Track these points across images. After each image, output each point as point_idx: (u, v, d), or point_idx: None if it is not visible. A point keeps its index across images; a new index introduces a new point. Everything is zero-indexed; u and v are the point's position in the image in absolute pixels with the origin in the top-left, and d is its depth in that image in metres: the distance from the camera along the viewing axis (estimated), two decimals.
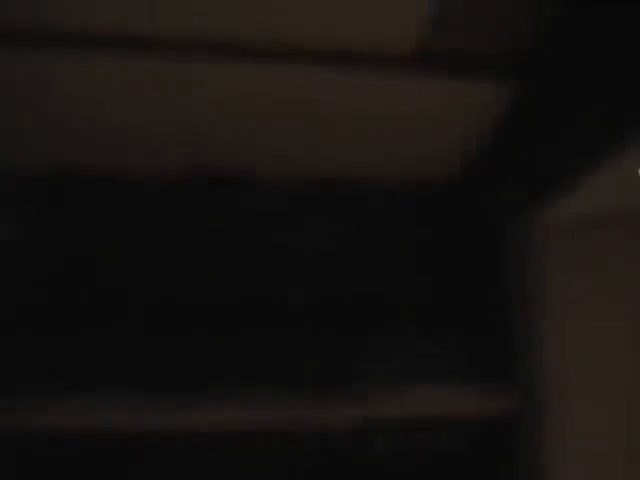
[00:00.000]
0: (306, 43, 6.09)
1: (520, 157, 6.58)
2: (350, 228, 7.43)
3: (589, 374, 6.33)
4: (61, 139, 6.47)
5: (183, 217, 7.00)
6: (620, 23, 5.14)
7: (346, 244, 7.37)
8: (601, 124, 5.32)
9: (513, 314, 6.85)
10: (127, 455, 5.38)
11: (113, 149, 6.70)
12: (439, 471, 5.85)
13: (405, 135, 6.87)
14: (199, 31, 5.98)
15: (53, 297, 6.06)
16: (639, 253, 6.38)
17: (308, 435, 5.64)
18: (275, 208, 7.22)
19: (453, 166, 7.34)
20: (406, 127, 6.79)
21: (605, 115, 5.30)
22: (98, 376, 5.88)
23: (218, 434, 5.52)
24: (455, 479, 5.71)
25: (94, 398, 5.55)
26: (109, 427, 5.12)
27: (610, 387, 6.23)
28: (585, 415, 6.30)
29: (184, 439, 5.42)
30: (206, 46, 6.06)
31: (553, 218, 6.40)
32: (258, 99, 6.48)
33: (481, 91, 6.56)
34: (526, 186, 6.50)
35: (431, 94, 6.52)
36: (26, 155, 6.40)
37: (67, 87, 5.96)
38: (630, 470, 5.86)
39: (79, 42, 5.54)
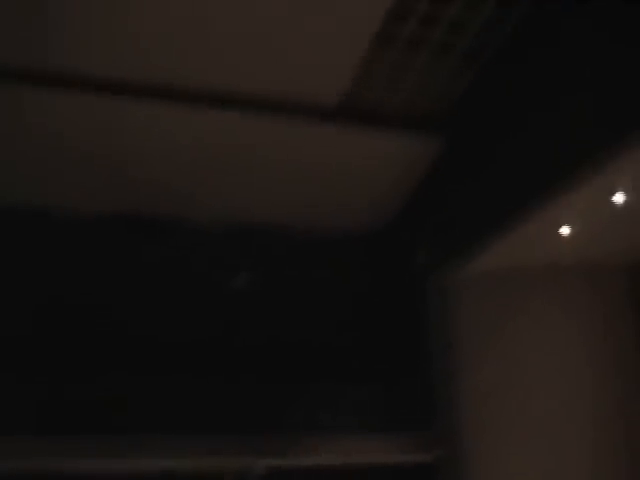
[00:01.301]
0: (235, 91, 6.07)
1: (440, 211, 6.67)
2: (273, 274, 7.38)
3: (507, 421, 6.37)
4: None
5: (108, 255, 6.85)
6: (531, 86, 5.33)
7: (268, 289, 7.30)
8: (516, 185, 5.45)
9: (433, 364, 6.86)
10: None
11: (46, 186, 6.55)
12: None
13: (331, 185, 6.89)
14: (133, 74, 5.91)
15: None
16: (551, 304, 6.56)
17: None
18: (204, 251, 7.16)
19: (377, 217, 7.38)
20: (332, 177, 6.82)
21: (519, 177, 5.44)
22: (19, 421, 5.65)
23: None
24: None
25: (16, 442, 5.32)
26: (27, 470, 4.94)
27: (529, 432, 6.24)
28: (503, 461, 6.28)
29: None
30: (143, 90, 5.99)
31: (472, 270, 6.51)
32: (190, 144, 6.42)
33: (405, 145, 6.62)
34: (446, 240, 6.59)
35: (356, 146, 6.56)
36: None
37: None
38: None
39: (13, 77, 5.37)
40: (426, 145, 6.59)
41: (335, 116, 6.34)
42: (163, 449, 5.78)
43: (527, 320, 6.66)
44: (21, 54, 5.48)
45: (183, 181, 6.84)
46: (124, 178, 6.67)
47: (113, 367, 6.40)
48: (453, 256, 6.60)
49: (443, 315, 6.94)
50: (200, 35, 5.65)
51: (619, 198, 5.45)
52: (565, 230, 5.92)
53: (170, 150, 6.55)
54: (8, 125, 5.99)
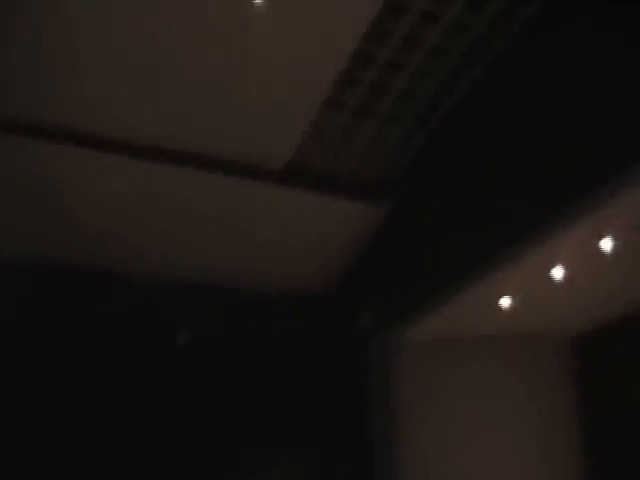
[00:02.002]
0: (186, 148, 6.10)
1: (384, 277, 6.75)
2: (215, 334, 7.34)
3: None
4: None
5: (48, 305, 6.74)
6: (473, 158, 5.48)
7: (209, 349, 7.25)
8: (457, 255, 5.55)
9: (373, 428, 6.85)
10: None
11: None
12: None
13: (277, 247, 6.91)
14: (84, 124, 5.91)
15: None
16: (492, 372, 6.67)
17: None
18: (147, 306, 7.10)
19: (322, 280, 7.42)
20: (278, 240, 6.85)
21: (460, 247, 5.53)
22: None
23: None
24: None
25: None
26: None
27: None
28: None
29: None
30: (93, 141, 5.98)
31: (414, 336, 6.58)
32: (139, 199, 6.41)
33: (351, 211, 6.71)
34: (389, 305, 6.65)
35: (302, 210, 6.61)
36: None
37: None
38: None
39: None
40: (372, 211, 6.64)
41: (282, 179, 6.37)
42: None
43: (468, 387, 6.71)
44: None
45: (130, 235, 6.78)
46: (71, 228, 6.59)
47: (45, 417, 6.31)
48: (395, 322, 6.62)
49: (384, 380, 6.92)
50: (152, 91, 5.67)
51: (558, 271, 5.54)
52: (505, 300, 5.99)
53: (119, 203, 6.51)
54: None
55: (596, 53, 4.58)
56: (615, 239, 5.17)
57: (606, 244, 5.21)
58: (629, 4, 4.26)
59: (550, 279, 5.55)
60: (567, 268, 5.51)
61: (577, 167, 4.64)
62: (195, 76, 5.56)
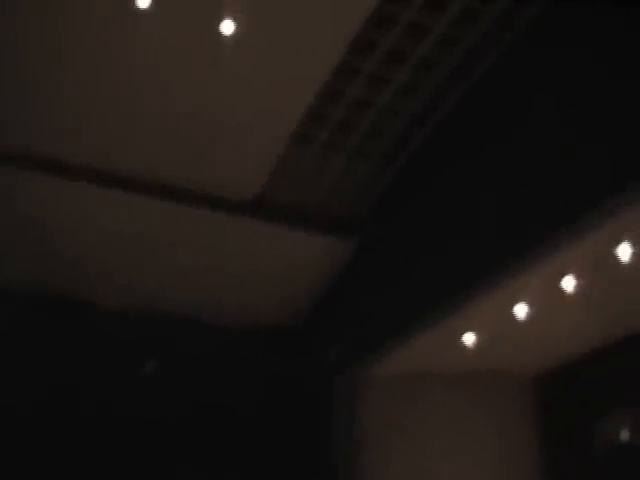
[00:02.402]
0: (154, 178, 6.11)
1: (351, 312, 6.77)
2: (180, 365, 7.29)
3: None
4: None
5: (12, 330, 6.67)
6: (440, 197, 5.54)
7: (173, 380, 7.19)
8: (423, 291, 5.59)
9: (338, 463, 6.82)
10: None
11: None
12: None
13: (245, 279, 6.89)
14: (55, 152, 5.90)
15: None
16: (457, 408, 6.69)
17: None
18: (112, 337, 7.05)
19: (291, 312, 7.42)
20: (246, 271, 6.84)
21: (425, 283, 5.57)
22: None
23: None
24: None
25: None
26: None
27: None
28: None
29: None
30: (63, 168, 5.97)
31: (380, 371, 6.59)
32: (108, 228, 6.41)
33: (318, 244, 6.73)
34: (356, 340, 6.66)
35: (270, 243, 6.62)
36: None
37: None
38: None
39: None
40: (340, 245, 6.66)
41: (251, 211, 6.38)
42: None
43: (432, 422, 6.72)
44: None
45: (99, 263, 6.74)
46: (40, 255, 6.55)
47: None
48: (361, 356, 6.61)
49: (349, 414, 6.90)
50: (122, 122, 5.68)
51: (521, 310, 5.58)
52: (469, 337, 6.02)
53: (89, 232, 6.48)
54: None
55: (578, 77, 4.67)
56: (577, 278, 5.24)
57: (568, 283, 5.28)
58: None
59: (513, 317, 5.59)
60: (530, 307, 5.56)
61: (540, 208, 4.71)
62: (163, 108, 5.58)
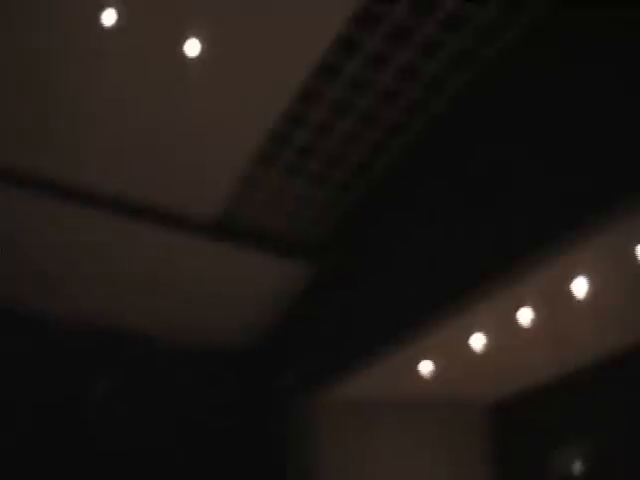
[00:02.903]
0: (113, 195, 6.06)
1: (309, 336, 6.75)
2: (131, 384, 7.19)
3: None
4: None
5: None
6: (399, 223, 5.57)
7: (123, 400, 7.09)
8: (382, 317, 5.59)
9: None
10: None
11: None
12: None
13: (203, 300, 6.84)
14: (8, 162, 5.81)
15: None
16: (414, 435, 6.71)
17: None
18: (63, 350, 6.94)
19: (247, 336, 7.38)
20: (204, 292, 6.79)
21: (384, 309, 5.58)
22: None
23: None
24: None
25: None
26: None
27: None
28: None
29: None
30: (17, 179, 5.88)
31: (336, 397, 6.57)
32: (63, 241, 6.33)
33: (278, 268, 6.70)
34: (313, 364, 6.64)
35: (229, 264, 6.58)
36: None
37: None
38: None
39: None
40: (300, 269, 6.64)
41: (211, 232, 6.33)
42: None
43: (387, 449, 6.69)
44: None
45: (53, 278, 6.64)
46: None
47: None
48: (318, 382, 6.57)
49: (304, 440, 6.84)
50: (85, 136, 5.62)
51: (477, 339, 5.60)
52: (427, 365, 6.01)
53: (44, 245, 6.39)
54: None
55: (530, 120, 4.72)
56: (533, 310, 5.27)
57: (524, 315, 5.31)
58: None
59: (470, 347, 5.60)
60: (487, 336, 5.57)
61: (496, 239, 4.74)
62: (125, 124, 5.53)
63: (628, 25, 3.94)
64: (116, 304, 6.94)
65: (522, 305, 5.23)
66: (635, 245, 4.52)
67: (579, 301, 5.02)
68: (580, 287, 4.93)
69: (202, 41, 4.90)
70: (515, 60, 4.92)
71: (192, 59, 4.99)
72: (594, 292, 4.95)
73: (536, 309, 5.23)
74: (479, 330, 5.52)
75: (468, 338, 5.55)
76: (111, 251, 6.46)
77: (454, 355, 5.82)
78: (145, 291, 6.77)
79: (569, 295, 4.99)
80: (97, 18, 4.69)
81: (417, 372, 5.98)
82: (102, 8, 4.67)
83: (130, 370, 7.17)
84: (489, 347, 5.60)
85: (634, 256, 4.57)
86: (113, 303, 6.93)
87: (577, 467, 6.21)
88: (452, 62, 5.15)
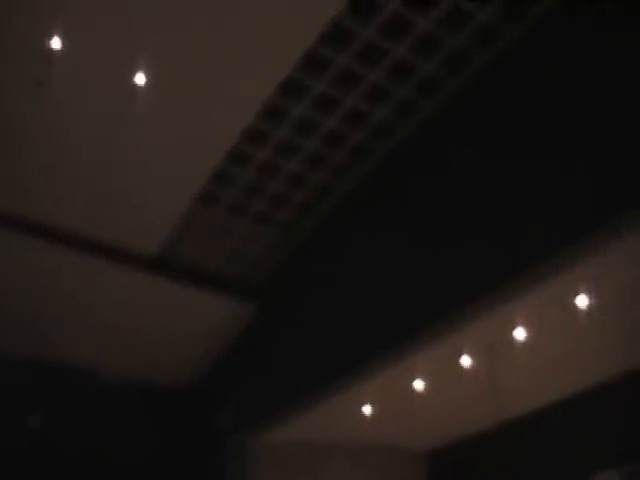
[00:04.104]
0: (53, 226, 5.92)
1: (248, 376, 6.65)
2: (69, 417, 7.01)
3: None
4: None
5: None
6: (338, 268, 5.55)
7: (60, 432, 6.90)
8: (321, 361, 5.55)
9: None
10: None
11: None
12: None
13: (142, 336, 6.70)
14: None
15: None
16: (348, 478, 6.65)
17: None
18: (3, 385, 6.73)
19: (186, 374, 7.25)
20: (144, 329, 6.64)
21: (323, 353, 5.54)
22: None
23: None
24: None
25: None
26: None
27: None
28: None
29: None
30: None
31: (275, 437, 6.49)
32: (4, 270, 6.16)
33: (219, 306, 6.60)
34: (251, 405, 6.55)
35: (170, 301, 6.44)
36: None
37: None
38: None
39: None
40: (240, 308, 6.55)
41: (152, 267, 6.22)
42: None
43: None
44: None
45: None
46: None
47: None
48: (255, 422, 6.46)
49: (241, 479, 6.72)
50: (27, 167, 5.49)
51: (419, 386, 5.57)
52: (366, 410, 5.96)
53: None
54: None
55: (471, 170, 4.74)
56: (473, 357, 5.27)
57: (463, 362, 5.31)
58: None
59: (410, 392, 5.57)
60: (427, 383, 5.55)
61: (438, 287, 4.75)
62: (70, 157, 5.42)
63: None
64: (56, 336, 6.74)
65: (462, 353, 5.22)
66: (574, 296, 4.57)
67: (520, 348, 5.06)
68: (520, 334, 4.96)
69: (149, 76, 4.85)
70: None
71: (139, 93, 4.93)
72: (533, 341, 4.98)
73: (476, 357, 5.23)
74: (419, 377, 5.49)
75: (409, 384, 5.51)
76: (53, 283, 6.30)
77: (393, 401, 5.78)
78: (86, 324, 6.59)
79: (509, 344, 5.02)
80: (45, 48, 4.61)
81: (356, 417, 5.92)
82: (50, 37, 4.59)
83: (69, 404, 6.97)
84: (430, 393, 5.58)
85: (574, 306, 4.62)
86: (53, 335, 6.73)
87: None
88: (397, 110, 5.21)
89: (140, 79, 4.86)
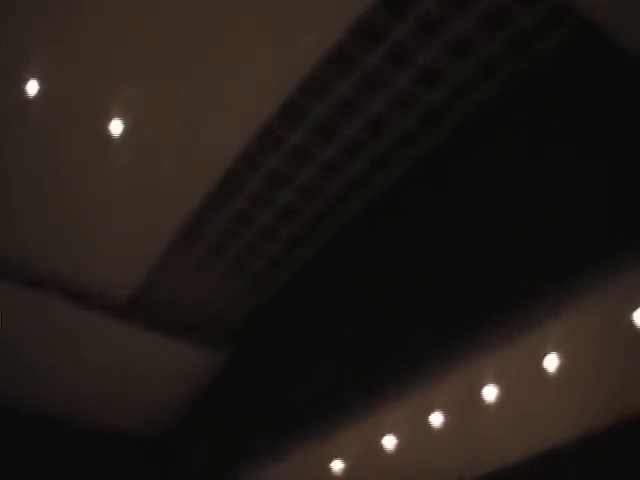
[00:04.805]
0: (25, 267, 5.90)
1: (219, 425, 6.58)
2: (40, 465, 6.88)
3: None
4: None
5: None
6: (309, 328, 5.56)
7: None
8: (290, 412, 5.51)
9: None
10: None
11: None
12: None
13: (114, 382, 6.60)
14: None
15: None
16: None
17: None
18: None
19: (159, 420, 7.16)
20: (115, 374, 6.54)
21: (292, 404, 5.50)
22: None
23: None
24: None
25: None
26: None
27: None
28: None
29: None
30: None
31: None
32: None
33: (191, 353, 6.53)
34: (221, 453, 6.48)
35: (141, 346, 6.38)
36: None
37: None
38: None
39: None
40: (212, 355, 6.50)
41: (122, 314, 6.17)
42: None
43: None
44: None
45: None
46: None
47: None
48: (227, 470, 6.39)
49: None
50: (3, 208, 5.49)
51: (389, 442, 5.51)
52: (337, 464, 5.88)
53: None
54: None
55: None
56: (443, 413, 5.23)
57: (435, 419, 5.26)
58: None
59: (381, 448, 5.50)
60: (398, 438, 5.49)
61: (405, 343, 4.75)
62: (44, 201, 5.42)
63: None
64: (25, 382, 6.66)
65: (433, 409, 5.18)
66: (543, 356, 4.56)
67: (489, 406, 5.02)
68: (490, 393, 4.92)
69: (125, 122, 4.86)
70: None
71: (114, 138, 4.94)
72: (503, 399, 4.95)
73: (446, 413, 5.19)
74: (390, 432, 5.43)
75: (380, 439, 5.45)
76: (23, 327, 6.23)
77: (365, 455, 5.70)
78: (56, 369, 6.51)
79: (479, 401, 4.98)
80: (20, 91, 4.63)
81: (327, 470, 5.84)
82: (26, 81, 4.60)
83: (38, 451, 6.85)
84: (400, 448, 5.51)
85: (542, 366, 4.61)
86: (21, 381, 6.65)
87: None
88: (373, 163, 5.26)
89: (115, 125, 4.87)
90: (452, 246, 4.52)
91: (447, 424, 5.24)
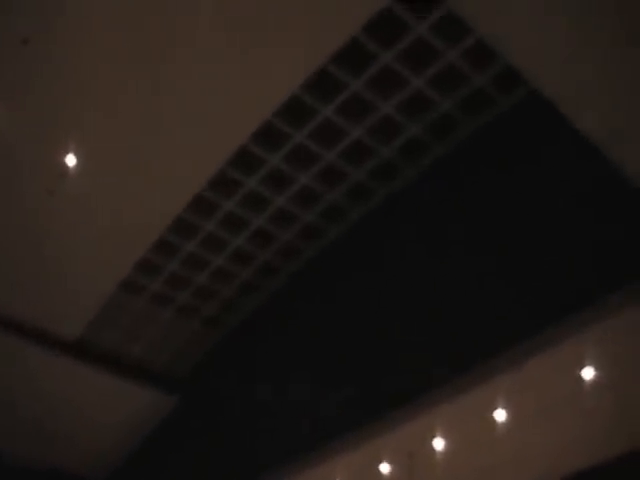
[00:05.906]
0: None
1: (169, 468, 6.46)
2: None
3: None
4: None
5: None
6: (265, 364, 5.52)
7: None
8: (243, 458, 5.44)
9: None
10: None
11: None
12: None
13: (59, 421, 6.48)
14: None
15: None
16: None
17: None
18: None
19: (101, 463, 7.00)
20: (59, 413, 6.42)
21: (248, 449, 5.43)
22: None
23: None
24: None
25: None
26: None
27: None
28: None
29: None
30: None
31: None
32: None
33: (139, 393, 6.43)
34: None
35: (87, 386, 6.27)
36: None
37: None
38: None
39: None
40: (160, 398, 6.37)
41: (70, 352, 6.04)
42: None
43: None
44: None
45: None
46: None
47: None
48: None
49: None
50: None
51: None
52: None
53: None
54: None
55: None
56: (392, 464, 5.19)
57: (384, 468, 5.23)
58: None
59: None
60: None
61: (359, 395, 4.72)
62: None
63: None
64: None
65: (382, 459, 5.15)
66: (493, 409, 4.56)
67: (439, 457, 5.00)
68: (438, 446, 4.91)
69: (79, 158, 4.77)
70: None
71: (68, 176, 4.84)
72: (452, 451, 4.93)
73: (395, 465, 5.16)
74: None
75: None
76: None
77: None
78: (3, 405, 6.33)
79: (428, 453, 4.96)
80: None
81: None
82: None
83: None
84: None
85: (491, 419, 4.61)
86: None
87: None
88: (325, 212, 5.31)
89: (70, 161, 4.78)
90: (406, 303, 4.54)
91: (395, 475, 5.21)
